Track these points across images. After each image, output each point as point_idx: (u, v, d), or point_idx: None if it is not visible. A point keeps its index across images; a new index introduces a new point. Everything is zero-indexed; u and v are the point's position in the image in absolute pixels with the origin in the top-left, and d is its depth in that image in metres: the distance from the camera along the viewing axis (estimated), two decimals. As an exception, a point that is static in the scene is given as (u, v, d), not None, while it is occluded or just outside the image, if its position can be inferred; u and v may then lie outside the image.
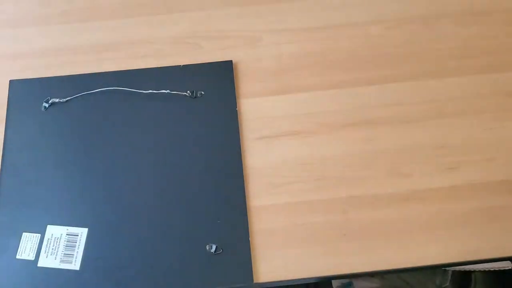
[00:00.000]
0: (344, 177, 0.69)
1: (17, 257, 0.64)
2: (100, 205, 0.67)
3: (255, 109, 0.73)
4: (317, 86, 0.75)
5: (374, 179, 0.68)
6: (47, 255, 0.64)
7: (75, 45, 0.79)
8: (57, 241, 0.65)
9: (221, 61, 0.76)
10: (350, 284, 0.84)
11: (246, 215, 0.66)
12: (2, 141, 0.71)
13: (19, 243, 0.65)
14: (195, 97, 0.74)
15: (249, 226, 0.65)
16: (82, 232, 0.65)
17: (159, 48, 0.78)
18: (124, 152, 0.70)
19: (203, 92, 0.74)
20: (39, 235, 0.65)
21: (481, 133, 0.70)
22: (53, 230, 0.66)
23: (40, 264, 0.64)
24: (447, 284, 0.76)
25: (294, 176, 0.69)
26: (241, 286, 0.62)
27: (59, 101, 0.73)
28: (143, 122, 0.72)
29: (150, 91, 0.73)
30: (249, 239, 0.65)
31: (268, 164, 0.69)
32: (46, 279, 0.63)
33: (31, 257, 0.64)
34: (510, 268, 0.65)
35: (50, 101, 0.73)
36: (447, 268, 0.76)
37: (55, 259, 0.64)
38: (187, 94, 0.74)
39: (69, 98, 0.73)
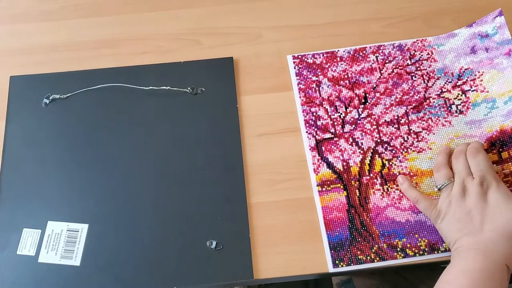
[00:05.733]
0: (344, 173, 0.69)
1: (18, 252, 0.64)
2: (101, 201, 0.67)
3: (256, 106, 0.73)
4: (317, 83, 0.75)
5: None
6: (47, 250, 0.64)
7: (76, 41, 0.79)
8: (57, 237, 0.65)
9: (221, 58, 0.76)
10: (349, 281, 0.85)
11: (247, 212, 0.66)
12: (3, 137, 0.71)
13: (19, 239, 0.65)
14: (196, 93, 0.74)
15: (249, 222, 0.66)
16: (83, 228, 0.66)
17: (159, 44, 0.78)
18: (125, 148, 0.70)
19: (203, 89, 0.74)
20: (40, 231, 0.65)
21: None
22: (53, 226, 0.66)
23: (41, 259, 0.64)
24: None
25: (294, 173, 0.69)
26: (241, 282, 0.63)
27: (59, 97, 0.73)
28: (144, 118, 0.72)
29: (150, 87, 0.73)
30: (249, 235, 0.65)
31: (268, 161, 0.69)
32: (46, 274, 0.63)
33: (32, 252, 0.64)
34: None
35: (50, 97, 0.73)
36: (446, 266, 0.76)
37: (56, 254, 0.64)
38: (187, 91, 0.74)
39: (69, 94, 0.73)
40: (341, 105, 0.73)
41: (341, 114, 0.72)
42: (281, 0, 0.82)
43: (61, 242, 0.65)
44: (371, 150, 0.70)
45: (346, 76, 0.75)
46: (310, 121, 0.72)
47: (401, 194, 0.67)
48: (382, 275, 0.82)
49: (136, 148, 0.70)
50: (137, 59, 0.77)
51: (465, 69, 0.74)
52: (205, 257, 0.64)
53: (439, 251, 0.64)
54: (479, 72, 0.73)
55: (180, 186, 0.68)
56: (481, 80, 0.73)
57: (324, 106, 0.73)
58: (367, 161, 0.69)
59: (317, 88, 0.74)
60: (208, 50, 0.77)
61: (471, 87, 0.73)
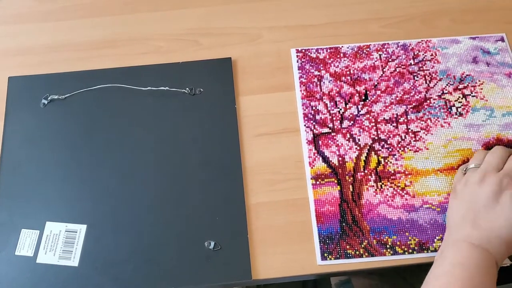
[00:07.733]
0: (343, 174, 0.68)
1: (16, 253, 0.64)
2: (99, 202, 0.67)
3: (254, 106, 0.73)
4: (316, 83, 0.75)
5: (373, 176, 0.68)
6: (46, 251, 0.64)
7: (74, 42, 0.79)
8: (56, 238, 0.65)
9: (220, 58, 0.76)
10: (348, 281, 0.84)
11: (245, 212, 0.66)
12: (1, 138, 0.71)
13: (18, 240, 0.65)
14: (194, 94, 0.74)
15: (247, 223, 0.65)
16: (81, 229, 0.66)
17: (158, 45, 0.78)
18: (123, 148, 0.70)
19: (202, 89, 0.74)
20: (38, 231, 0.65)
21: None
22: (52, 227, 0.66)
23: (39, 260, 0.64)
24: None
25: (293, 173, 0.69)
26: (240, 282, 0.63)
27: (58, 98, 0.73)
28: (142, 119, 0.72)
29: (149, 87, 0.73)
30: (248, 236, 0.65)
31: (267, 161, 0.69)
32: (45, 275, 0.63)
33: (30, 253, 0.64)
34: (509, 265, 0.65)
35: (49, 98, 0.73)
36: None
37: (54, 255, 0.64)
38: (186, 91, 0.73)
39: (68, 95, 0.73)
40: (341, 100, 0.73)
41: (341, 109, 0.72)
42: (280, 0, 0.82)
43: (59, 242, 0.65)
44: (368, 147, 0.70)
45: (348, 72, 0.75)
46: (309, 115, 0.72)
47: (394, 192, 0.67)
48: (382, 276, 0.82)
49: (134, 149, 0.70)
50: (135, 60, 0.77)
51: (467, 75, 0.74)
52: (204, 258, 0.64)
53: (429, 251, 0.64)
54: (479, 81, 0.74)
55: (178, 186, 0.68)
56: (481, 89, 0.73)
57: (324, 101, 0.73)
58: (362, 158, 0.69)
59: (318, 83, 0.74)
60: (207, 50, 0.77)
61: (472, 93, 0.73)
